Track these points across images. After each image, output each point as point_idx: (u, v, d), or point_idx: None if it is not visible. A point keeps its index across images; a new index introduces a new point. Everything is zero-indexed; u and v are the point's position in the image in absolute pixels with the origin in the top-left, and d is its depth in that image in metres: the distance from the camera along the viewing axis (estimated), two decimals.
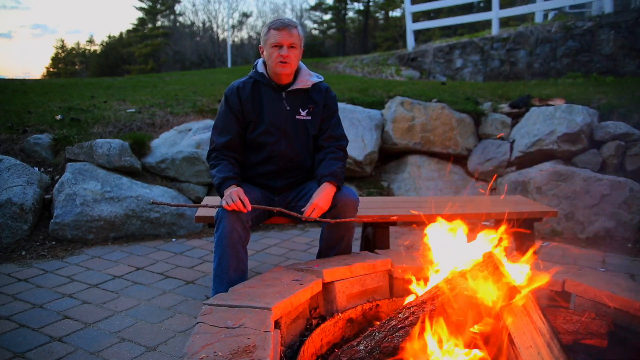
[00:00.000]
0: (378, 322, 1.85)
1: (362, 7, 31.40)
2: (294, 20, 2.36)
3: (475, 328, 1.66)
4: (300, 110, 2.41)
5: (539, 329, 1.52)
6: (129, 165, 4.03)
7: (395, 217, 2.64)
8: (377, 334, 1.71)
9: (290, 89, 2.39)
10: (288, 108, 2.39)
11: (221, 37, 29.40)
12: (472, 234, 1.93)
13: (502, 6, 9.12)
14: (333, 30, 32.39)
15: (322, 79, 2.48)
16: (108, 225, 3.70)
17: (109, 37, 38.34)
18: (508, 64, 8.22)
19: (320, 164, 2.40)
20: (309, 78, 2.41)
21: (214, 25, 30.73)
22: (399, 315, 1.72)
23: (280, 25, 2.26)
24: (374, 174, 4.89)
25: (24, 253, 3.34)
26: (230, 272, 2.14)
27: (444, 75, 8.82)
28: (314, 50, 26.15)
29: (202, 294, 2.79)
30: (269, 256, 3.49)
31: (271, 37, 2.28)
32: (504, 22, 10.63)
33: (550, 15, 9.87)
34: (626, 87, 5.67)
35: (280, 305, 1.74)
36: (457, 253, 1.87)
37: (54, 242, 3.54)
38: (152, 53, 29.44)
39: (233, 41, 29.13)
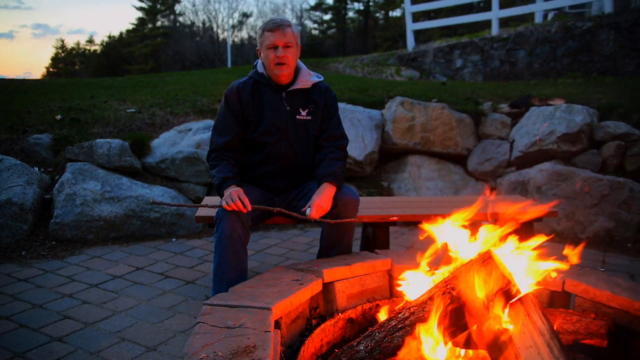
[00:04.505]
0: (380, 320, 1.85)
1: (362, 7, 31.42)
2: (287, 19, 2.35)
3: (475, 328, 1.66)
4: (301, 110, 2.41)
5: (539, 329, 1.52)
6: (129, 165, 4.03)
7: (395, 217, 2.64)
8: (377, 334, 1.71)
9: (291, 89, 2.38)
10: (288, 108, 2.39)
11: (221, 37, 29.42)
12: (472, 235, 1.93)
13: (502, 6, 9.13)
14: (333, 30, 32.39)
15: (322, 79, 2.48)
16: (108, 225, 3.70)
17: (109, 37, 38.29)
18: (508, 64, 8.23)
19: (320, 164, 2.39)
20: (309, 78, 2.41)
21: (214, 25, 30.76)
22: (399, 315, 1.72)
23: (272, 26, 2.26)
24: (374, 174, 4.89)
25: (24, 253, 3.34)
26: (230, 272, 2.14)
27: (444, 75, 8.82)
28: (314, 50, 26.13)
29: (202, 294, 2.79)
30: (269, 256, 3.49)
31: (266, 39, 2.28)
32: (504, 22, 10.62)
33: (550, 15, 9.87)
34: (626, 87, 5.67)
35: (280, 305, 1.74)
36: (458, 252, 1.87)
37: (54, 242, 3.54)
38: (152, 53, 29.44)
39: (233, 41, 29.14)
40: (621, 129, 4.30)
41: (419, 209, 2.97)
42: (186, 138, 4.44)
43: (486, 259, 1.62)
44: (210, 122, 4.66)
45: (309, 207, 2.20)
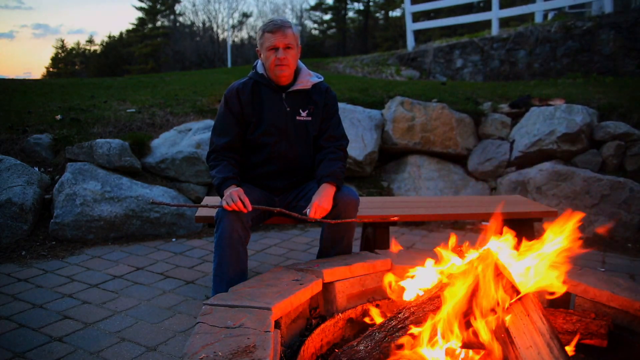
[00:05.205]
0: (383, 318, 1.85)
1: (362, 7, 31.42)
2: (287, 20, 2.35)
3: (475, 327, 1.66)
4: (301, 111, 2.40)
5: (539, 329, 1.52)
6: (129, 165, 4.03)
7: (395, 217, 2.64)
8: (377, 334, 1.71)
9: (291, 89, 2.38)
10: (288, 109, 2.39)
11: (221, 37, 29.40)
12: (473, 234, 1.93)
13: (502, 6, 9.13)
14: (333, 30, 32.39)
15: (322, 79, 2.48)
16: (108, 225, 3.70)
17: (109, 37, 38.29)
18: (508, 64, 8.23)
19: (320, 164, 2.39)
20: (309, 78, 2.41)
21: (214, 25, 30.72)
22: (399, 315, 1.72)
23: (273, 28, 2.25)
24: (374, 174, 4.89)
25: (24, 253, 3.34)
26: (230, 272, 2.14)
27: (444, 75, 8.82)
28: (314, 50, 26.13)
29: (202, 294, 2.79)
30: (269, 256, 3.49)
31: (266, 40, 2.28)
32: (504, 22, 10.62)
33: (550, 15, 9.87)
34: (626, 87, 5.67)
35: (280, 305, 1.74)
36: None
37: (54, 242, 3.54)
38: (152, 53, 29.43)
39: (233, 41, 29.13)
40: (621, 129, 4.30)
41: (419, 209, 2.97)
42: (186, 138, 4.44)
43: (485, 259, 1.62)
44: (210, 122, 4.66)
45: (310, 208, 2.20)
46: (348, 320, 2.02)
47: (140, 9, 32.55)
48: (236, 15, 30.65)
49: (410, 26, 9.95)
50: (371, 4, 31.11)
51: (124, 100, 5.47)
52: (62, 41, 42.65)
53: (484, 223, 4.23)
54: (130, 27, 34.22)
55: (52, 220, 3.61)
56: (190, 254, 3.47)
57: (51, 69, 38.84)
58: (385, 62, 9.69)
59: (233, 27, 30.21)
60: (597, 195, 3.98)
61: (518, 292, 1.61)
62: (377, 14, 31.74)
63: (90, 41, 39.81)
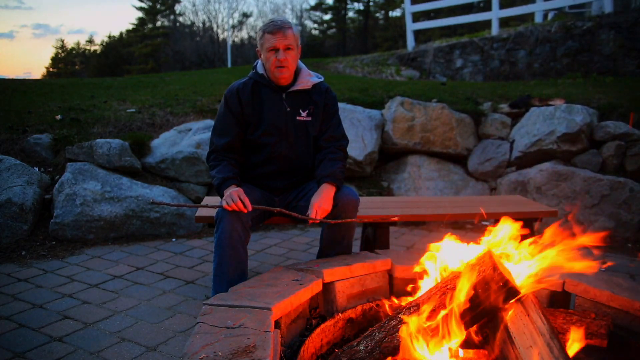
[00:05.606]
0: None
1: (362, 7, 31.43)
2: (288, 20, 2.34)
3: (475, 328, 1.66)
4: (301, 111, 2.40)
5: (539, 329, 1.52)
6: (129, 165, 4.03)
7: (395, 217, 2.64)
8: (377, 334, 1.71)
9: (291, 90, 2.38)
10: (288, 109, 2.38)
11: (221, 37, 29.41)
12: (473, 234, 1.93)
13: (502, 6, 9.13)
14: (333, 30, 32.40)
15: (323, 79, 2.48)
16: (108, 225, 3.70)
17: (109, 37, 38.30)
18: (508, 64, 8.23)
19: (320, 164, 2.39)
20: (309, 79, 2.41)
21: (214, 25, 30.72)
22: (399, 315, 1.72)
23: (273, 29, 2.25)
24: (374, 174, 4.89)
25: (24, 253, 3.34)
26: (230, 272, 2.14)
27: (444, 75, 8.82)
28: (314, 50, 26.13)
29: (202, 294, 2.79)
30: (269, 256, 3.49)
31: (266, 41, 2.27)
32: (504, 22, 10.62)
33: (550, 15, 9.87)
34: (626, 87, 5.67)
35: (280, 305, 1.74)
36: (458, 253, 1.87)
37: (54, 242, 3.54)
38: (152, 53, 29.43)
39: (233, 41, 29.13)
40: (621, 129, 4.30)
41: (419, 209, 2.97)
42: (186, 138, 4.44)
43: (485, 259, 1.62)
44: (210, 122, 4.66)
45: (310, 210, 2.19)
46: (348, 320, 2.02)
47: (140, 9, 32.56)
48: (236, 15, 30.68)
49: (410, 26, 9.95)
50: (371, 4, 31.12)
51: (124, 100, 5.47)
52: (62, 41, 42.68)
53: (484, 223, 4.23)
54: (130, 27, 34.25)
55: (52, 220, 3.61)
56: (190, 254, 3.47)
57: (51, 69, 38.84)
58: (385, 62, 9.69)
59: (233, 27, 30.23)
60: (597, 195, 3.98)
61: (518, 292, 1.61)
62: (377, 14, 31.75)
63: (90, 41, 39.83)
